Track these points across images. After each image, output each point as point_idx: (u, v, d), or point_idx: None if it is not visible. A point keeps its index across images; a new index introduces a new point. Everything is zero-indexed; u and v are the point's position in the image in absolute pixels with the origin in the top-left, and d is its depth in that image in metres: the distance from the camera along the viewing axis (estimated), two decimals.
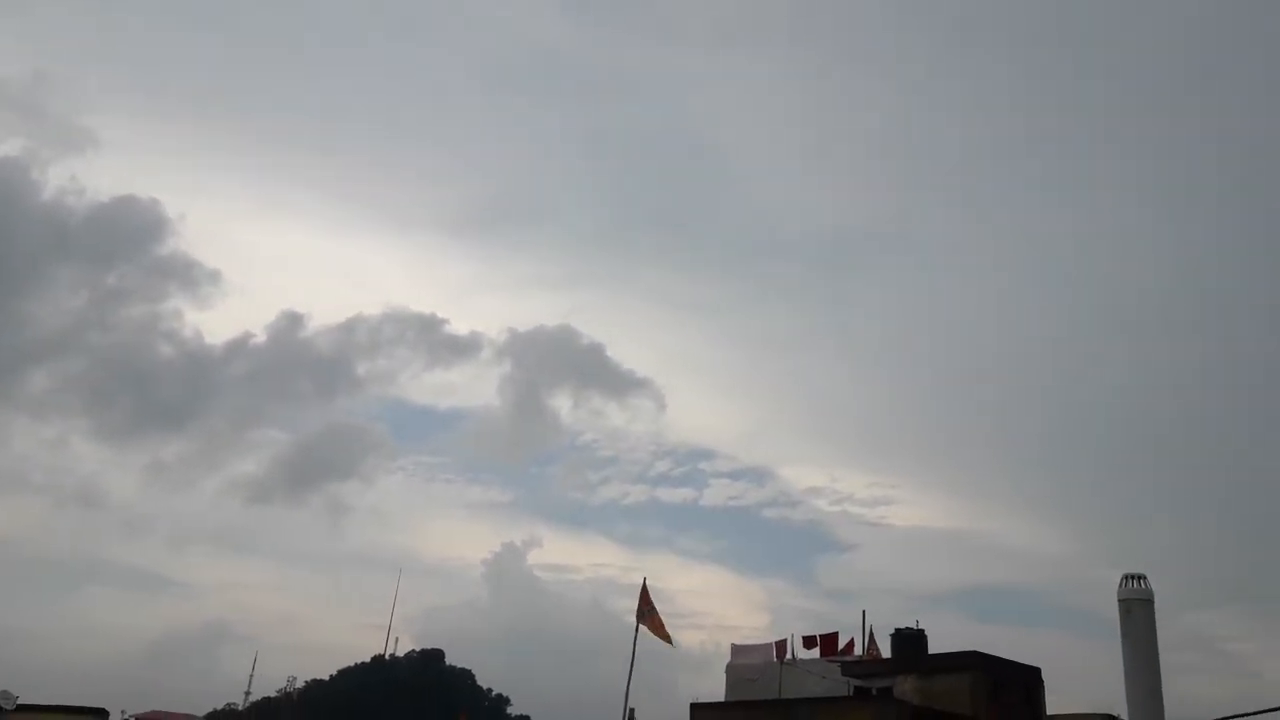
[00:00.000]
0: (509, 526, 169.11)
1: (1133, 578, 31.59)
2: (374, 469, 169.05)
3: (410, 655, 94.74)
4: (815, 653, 33.70)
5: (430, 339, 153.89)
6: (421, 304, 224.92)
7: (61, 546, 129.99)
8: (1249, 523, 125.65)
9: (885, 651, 33.61)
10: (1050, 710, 31.46)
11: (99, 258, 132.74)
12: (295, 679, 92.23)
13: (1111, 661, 31.21)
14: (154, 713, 64.80)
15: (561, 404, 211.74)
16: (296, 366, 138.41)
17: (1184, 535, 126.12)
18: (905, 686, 29.40)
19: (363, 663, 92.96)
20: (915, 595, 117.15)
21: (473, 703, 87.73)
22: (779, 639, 34.53)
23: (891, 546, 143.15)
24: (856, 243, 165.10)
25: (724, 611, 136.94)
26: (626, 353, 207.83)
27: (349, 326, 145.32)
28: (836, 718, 27.30)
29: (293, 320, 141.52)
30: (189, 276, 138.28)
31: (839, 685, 30.62)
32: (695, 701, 31.58)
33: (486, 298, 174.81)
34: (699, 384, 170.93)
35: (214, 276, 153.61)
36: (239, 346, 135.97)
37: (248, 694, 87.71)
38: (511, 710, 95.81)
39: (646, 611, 33.31)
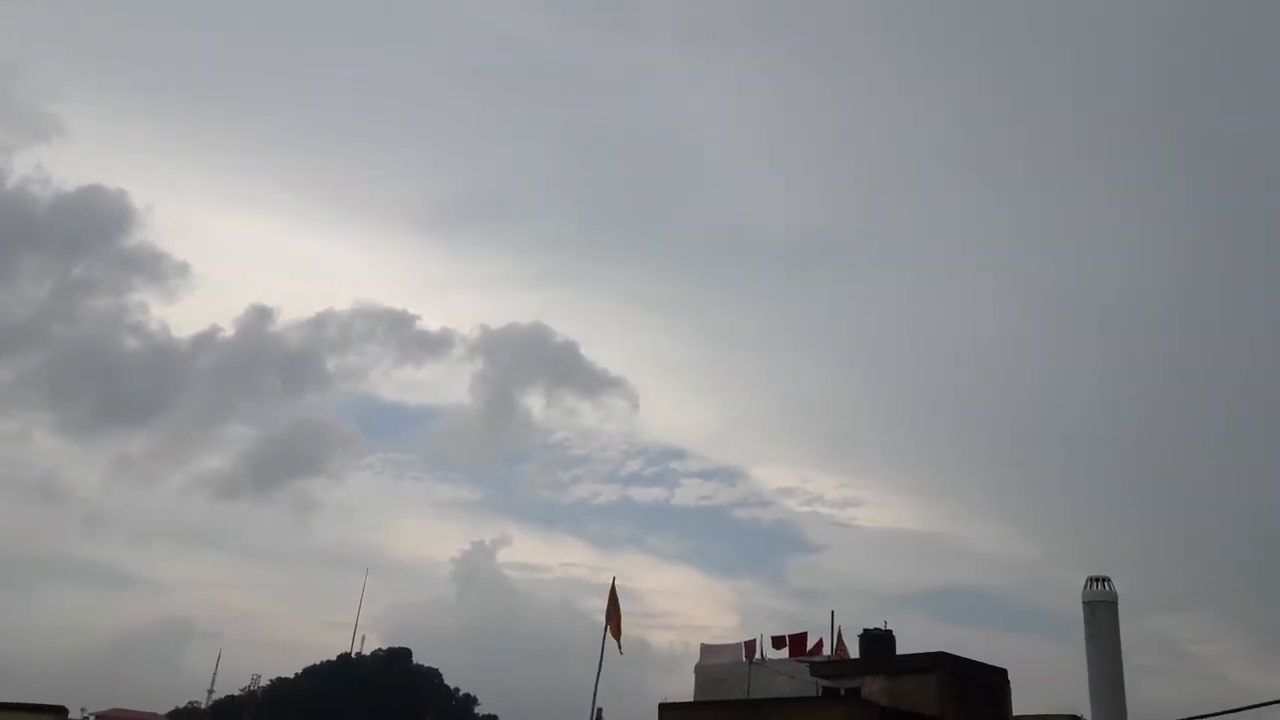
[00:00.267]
0: (478, 525, 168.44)
1: (1097, 580, 32.01)
2: (342, 466, 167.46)
3: (377, 654, 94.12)
4: (784, 653, 33.80)
5: (401, 335, 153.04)
6: (393, 300, 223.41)
7: (21, 542, 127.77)
8: (1214, 526, 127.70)
9: (854, 652, 33.76)
10: (1016, 711, 31.75)
11: (64, 248, 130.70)
12: (259, 677, 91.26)
13: (1076, 663, 31.64)
14: (115, 710, 63.99)
15: (534, 402, 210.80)
16: (265, 361, 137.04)
17: (1149, 538, 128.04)
18: (873, 687, 29.55)
19: (328, 661, 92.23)
20: (884, 596, 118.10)
21: (440, 702, 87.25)
22: (748, 639, 34.63)
23: (861, 547, 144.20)
24: (827, 242, 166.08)
25: (693, 611, 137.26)
26: (600, 352, 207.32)
27: (319, 322, 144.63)
28: (805, 718, 27.37)
29: (262, 314, 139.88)
30: (156, 269, 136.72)
31: (807, 685, 30.71)
32: (664, 702, 31.58)
33: (458, 294, 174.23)
34: (672, 383, 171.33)
35: (182, 269, 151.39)
36: (206, 340, 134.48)
37: (211, 692, 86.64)
38: (479, 710, 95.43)
39: (612, 612, 33.21)
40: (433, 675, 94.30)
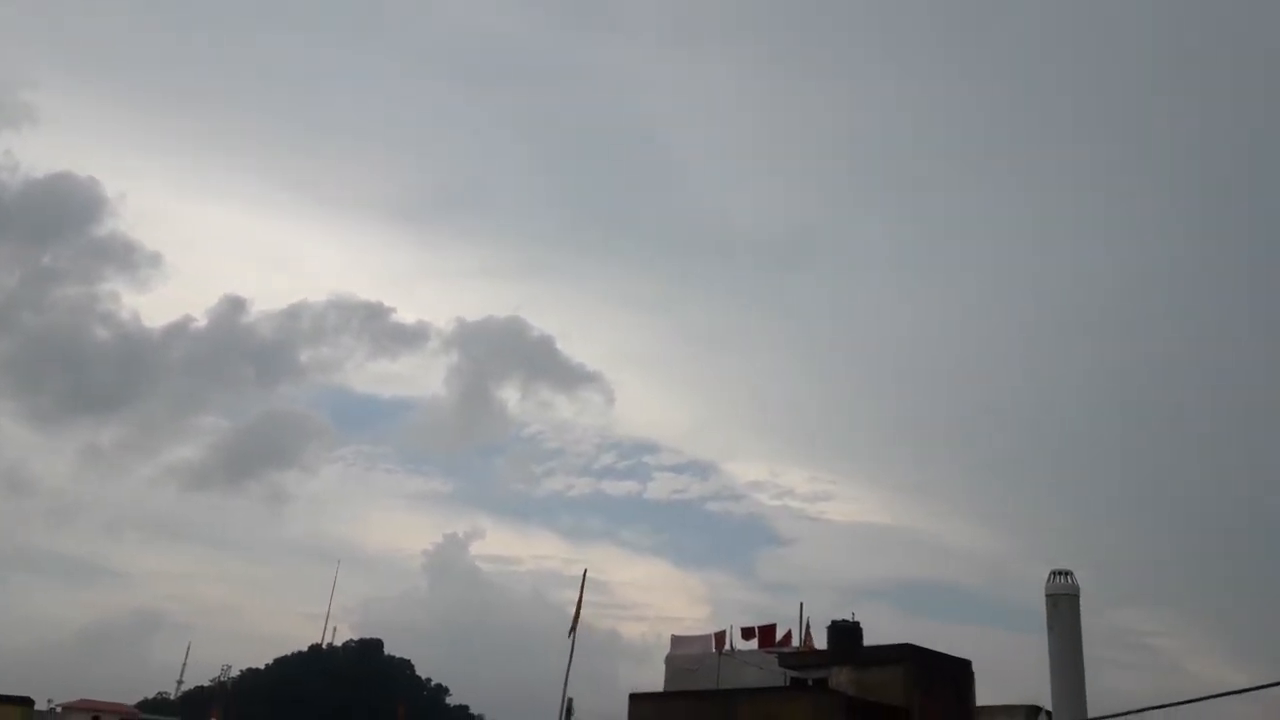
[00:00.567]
0: (451, 518, 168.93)
1: (1060, 573, 32.46)
2: (315, 458, 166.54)
3: (348, 645, 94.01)
4: (753, 644, 34.18)
5: (376, 327, 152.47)
6: (368, 292, 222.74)
7: None
8: (1175, 522, 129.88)
9: (821, 643, 34.15)
10: (980, 702, 32.30)
11: (33, 236, 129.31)
12: (230, 668, 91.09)
13: (1039, 655, 32.10)
14: (83, 701, 63.40)
15: (509, 395, 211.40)
16: (238, 352, 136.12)
17: (1113, 534, 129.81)
18: (840, 678, 29.97)
19: (300, 652, 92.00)
20: (852, 589, 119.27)
21: (411, 693, 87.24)
22: (718, 630, 35.00)
23: (830, 541, 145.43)
24: (803, 241, 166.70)
25: (665, 604, 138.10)
26: (576, 346, 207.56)
27: (293, 313, 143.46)
28: (773, 708, 27.72)
29: (235, 305, 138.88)
30: (127, 258, 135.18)
31: (776, 676, 31.10)
32: (634, 692, 31.87)
33: (434, 287, 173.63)
34: (646, 378, 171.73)
35: (154, 259, 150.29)
36: (178, 331, 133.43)
37: (180, 683, 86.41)
38: (450, 700, 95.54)
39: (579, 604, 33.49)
40: (404, 666, 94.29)
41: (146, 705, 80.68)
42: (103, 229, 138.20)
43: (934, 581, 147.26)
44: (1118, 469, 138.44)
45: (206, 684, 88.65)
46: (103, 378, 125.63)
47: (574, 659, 30.81)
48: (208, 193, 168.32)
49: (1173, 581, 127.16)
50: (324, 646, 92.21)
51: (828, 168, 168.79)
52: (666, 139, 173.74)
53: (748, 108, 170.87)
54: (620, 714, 31.26)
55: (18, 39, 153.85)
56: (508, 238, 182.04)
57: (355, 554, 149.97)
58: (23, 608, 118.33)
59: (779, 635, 34.59)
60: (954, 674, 31.31)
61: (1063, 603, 32.15)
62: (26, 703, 40.11)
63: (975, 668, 32.02)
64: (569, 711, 37.91)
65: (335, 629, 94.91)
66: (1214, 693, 25.18)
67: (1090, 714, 30.22)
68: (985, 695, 32.91)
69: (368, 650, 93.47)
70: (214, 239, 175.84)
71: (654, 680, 35.46)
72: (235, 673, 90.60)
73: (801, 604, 36.70)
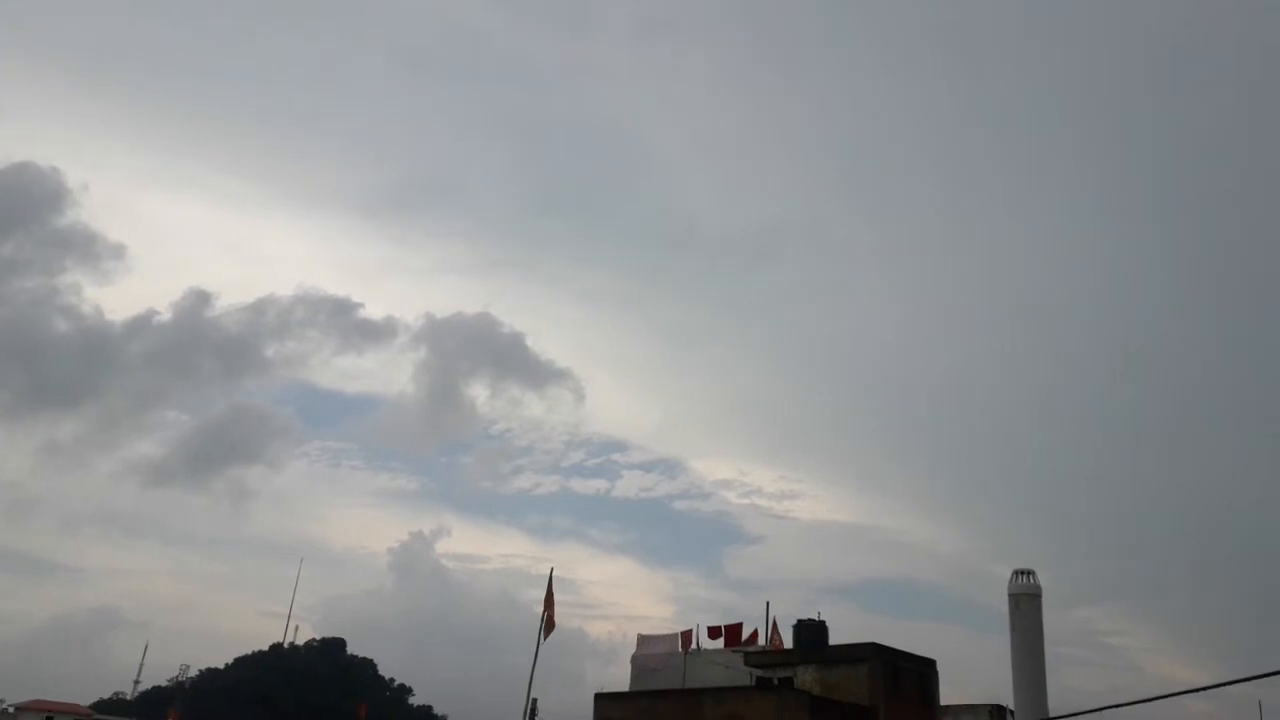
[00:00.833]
0: (417, 515, 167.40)
1: (1022, 573, 32.85)
2: (280, 454, 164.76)
3: (310, 644, 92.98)
4: (720, 643, 34.20)
5: (343, 322, 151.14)
6: (336, 287, 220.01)
7: None
8: (1136, 523, 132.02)
9: (788, 642, 34.24)
10: (944, 700, 32.56)
11: None
12: (188, 667, 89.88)
13: (1002, 654, 32.46)
14: (36, 701, 62.29)
15: (478, 393, 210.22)
16: (202, 346, 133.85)
17: (1075, 534, 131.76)
18: (806, 676, 30.06)
19: (260, 651, 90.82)
20: (819, 587, 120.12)
21: (374, 692, 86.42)
22: (685, 629, 35.00)
23: (797, 539, 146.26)
24: (773, 240, 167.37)
25: (632, 602, 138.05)
26: (546, 343, 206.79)
27: (259, 307, 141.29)
28: (738, 707, 27.73)
29: (200, 299, 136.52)
30: (90, 250, 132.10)
31: (742, 675, 31.13)
32: (600, 691, 31.75)
33: (403, 282, 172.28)
34: (616, 376, 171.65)
35: (117, 251, 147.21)
36: (141, 324, 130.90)
37: (137, 683, 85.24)
38: (413, 700, 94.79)
39: (548, 603, 33.27)
40: (367, 666, 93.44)
41: (102, 705, 79.37)
42: (64, 220, 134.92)
43: (900, 580, 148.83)
44: (1081, 471, 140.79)
45: (164, 684, 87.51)
46: (63, 371, 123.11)
47: (540, 658, 30.61)
48: (173, 184, 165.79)
49: (1132, 582, 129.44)
50: (285, 646, 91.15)
51: (798, 167, 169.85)
52: (638, 136, 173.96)
53: (720, 105, 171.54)
54: (586, 713, 31.17)
55: None
56: (478, 233, 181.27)
57: (319, 552, 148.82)
58: None
59: (745, 634, 34.64)
60: (919, 673, 31.52)
61: (1025, 602, 32.53)
62: None
63: (940, 666, 32.29)
64: (533, 712, 37.68)
65: (297, 628, 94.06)
66: (1172, 691, 25.58)
67: (1051, 712, 30.57)
68: (950, 694, 33.22)
69: (330, 649, 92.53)
70: (179, 231, 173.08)
71: (620, 679, 35.44)
72: (194, 672, 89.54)
73: (768, 603, 36.83)
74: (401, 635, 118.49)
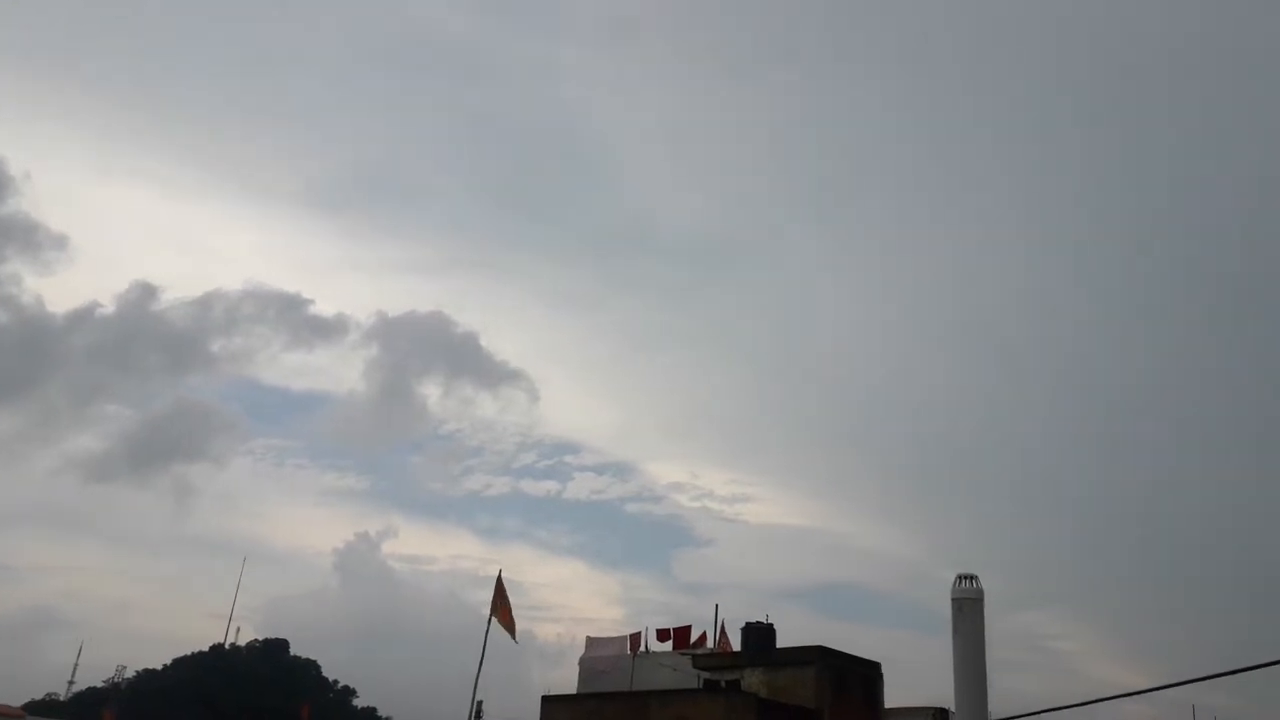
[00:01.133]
0: (364, 515, 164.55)
1: (965, 577, 33.26)
2: (226, 451, 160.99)
3: (252, 645, 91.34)
4: (669, 645, 34.20)
5: (293, 318, 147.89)
6: (285, 282, 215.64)
7: None
8: (1075, 529, 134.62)
9: (737, 645, 34.37)
10: (888, 703, 32.90)
11: None
12: (124, 668, 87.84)
13: (946, 657, 32.83)
14: None
15: (430, 392, 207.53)
16: (146, 340, 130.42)
17: (1017, 537, 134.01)
18: (753, 679, 30.20)
19: (201, 652, 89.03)
20: (768, 590, 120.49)
21: (317, 694, 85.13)
22: (634, 632, 34.95)
23: (747, 543, 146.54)
24: (729, 244, 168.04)
25: (581, 605, 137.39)
26: (501, 342, 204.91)
27: (206, 301, 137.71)
28: (685, 709, 27.78)
29: (145, 291, 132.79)
30: (30, 239, 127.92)
31: (690, 677, 31.18)
32: (547, 694, 31.58)
33: (355, 279, 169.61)
34: (572, 377, 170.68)
35: (60, 241, 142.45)
36: (84, 316, 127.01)
37: (71, 683, 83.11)
38: (358, 702, 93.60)
39: (499, 604, 33.05)
40: (311, 667, 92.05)
41: (34, 706, 77.26)
42: (5, 209, 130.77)
43: (848, 584, 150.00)
44: (1025, 475, 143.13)
45: (100, 685, 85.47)
46: (1, 363, 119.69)
47: (487, 660, 30.35)
48: (119, 174, 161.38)
49: (1075, 586, 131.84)
50: (226, 646, 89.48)
51: (752, 174, 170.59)
52: (597, 135, 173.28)
53: (681, 108, 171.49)
54: (533, 716, 30.96)
55: None
56: (432, 230, 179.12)
57: (263, 551, 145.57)
58: None
59: (694, 637, 34.68)
60: (864, 675, 31.83)
61: (967, 606, 32.95)
62: None
63: (885, 669, 32.67)
64: (478, 713, 37.39)
65: (239, 628, 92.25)
66: (1111, 694, 26.06)
67: (992, 716, 31.02)
68: (895, 696, 33.58)
69: (272, 650, 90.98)
70: (125, 222, 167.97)
71: (568, 682, 35.30)
72: (130, 673, 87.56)
73: (717, 606, 36.94)
74: (346, 636, 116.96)
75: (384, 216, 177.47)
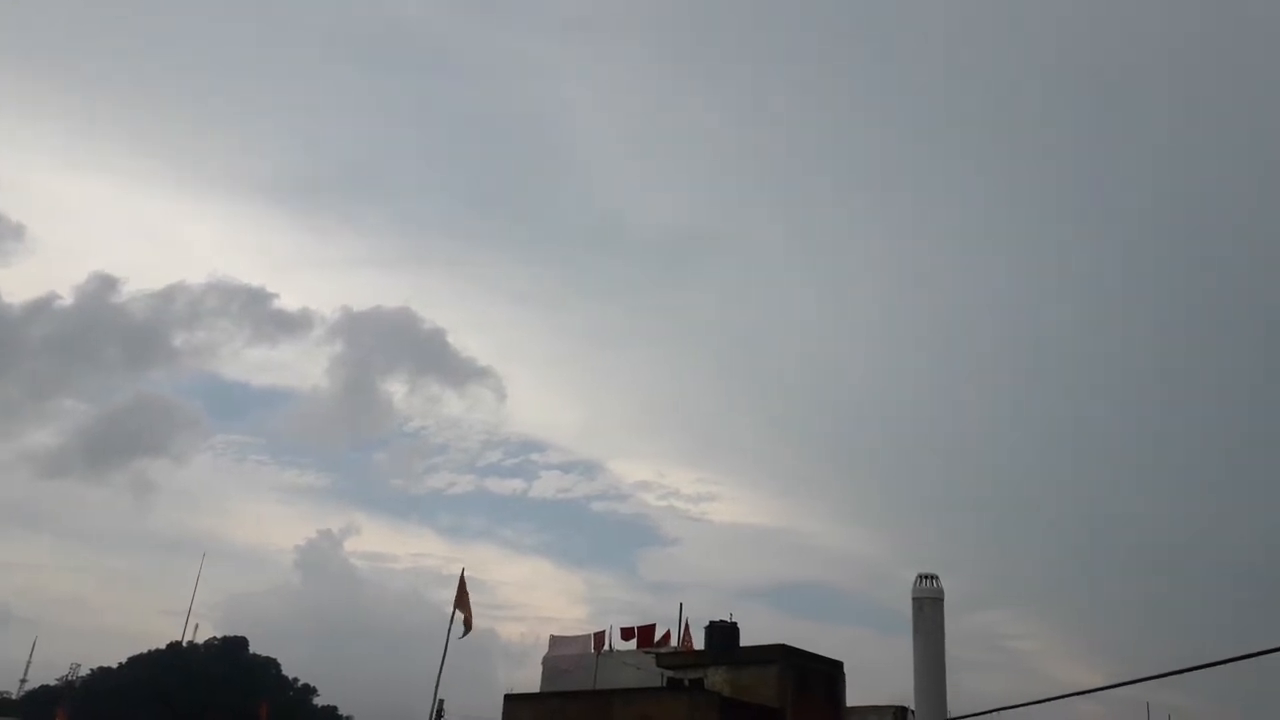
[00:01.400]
0: (326, 513, 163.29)
1: (926, 577, 33.59)
2: (186, 447, 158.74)
3: (210, 643, 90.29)
4: (633, 644, 34.31)
5: (256, 313, 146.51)
6: (249, 275, 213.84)
7: None
8: (1035, 530, 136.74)
9: (700, 643, 34.55)
10: (850, 702, 33.22)
11: None
12: (79, 666, 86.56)
13: (907, 656, 33.21)
14: None
15: (396, 389, 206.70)
16: (106, 333, 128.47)
17: (977, 537, 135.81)
18: (716, 678, 30.37)
19: (157, 650, 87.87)
20: (733, 589, 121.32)
21: (276, 693, 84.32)
22: (598, 631, 35.01)
23: (713, 542, 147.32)
24: (696, 242, 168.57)
25: (545, 604, 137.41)
26: (468, 340, 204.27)
27: (168, 294, 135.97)
28: (648, 708, 27.88)
29: (105, 283, 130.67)
30: None
31: (653, 676, 31.29)
32: (509, 693, 31.56)
33: (320, 274, 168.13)
34: (539, 375, 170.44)
35: (17, 231, 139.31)
36: (41, 308, 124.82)
37: (23, 681, 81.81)
38: (318, 701, 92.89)
39: (461, 600, 32.98)
40: (270, 665, 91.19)
41: None
42: None
43: (811, 583, 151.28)
44: (988, 476, 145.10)
45: (53, 683, 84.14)
46: None
47: (450, 659, 30.28)
48: (79, 164, 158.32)
49: (1034, 585, 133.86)
50: (184, 644, 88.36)
51: (718, 171, 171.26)
52: (564, 132, 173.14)
53: (648, 104, 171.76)
54: (495, 715, 30.94)
55: None
56: (399, 226, 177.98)
57: (223, 548, 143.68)
58: None
59: (658, 635, 34.82)
60: (827, 674, 32.13)
61: (928, 606, 33.30)
62: None
63: (847, 668, 32.94)
64: (439, 713, 37.31)
65: (197, 626, 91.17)
66: (1063, 693, 26.54)
67: (950, 714, 31.46)
68: (856, 695, 33.90)
69: (231, 649, 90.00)
70: (85, 213, 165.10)
71: (531, 681, 35.27)
72: (85, 671, 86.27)
73: (681, 604, 37.14)
74: (307, 635, 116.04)
75: (351, 212, 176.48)
